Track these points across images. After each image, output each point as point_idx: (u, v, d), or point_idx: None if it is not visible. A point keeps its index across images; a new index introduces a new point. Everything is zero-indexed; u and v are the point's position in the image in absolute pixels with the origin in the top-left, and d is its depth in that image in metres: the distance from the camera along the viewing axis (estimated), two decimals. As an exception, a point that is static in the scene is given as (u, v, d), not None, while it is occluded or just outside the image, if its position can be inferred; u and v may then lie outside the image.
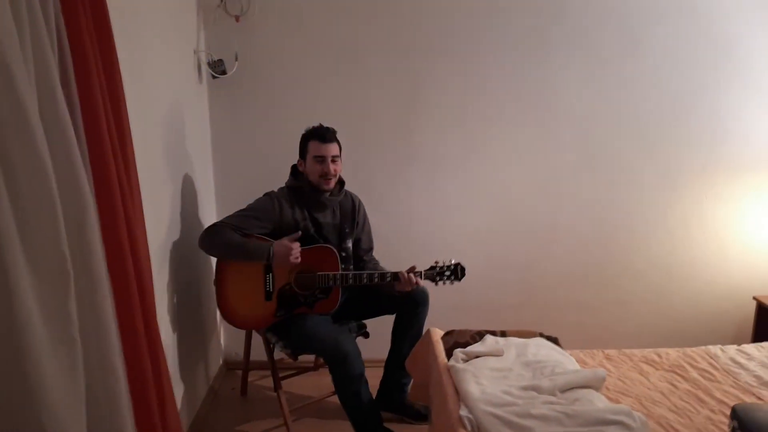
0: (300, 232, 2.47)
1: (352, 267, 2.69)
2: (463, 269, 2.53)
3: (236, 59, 2.95)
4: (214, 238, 2.42)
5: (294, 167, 2.65)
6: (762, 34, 3.08)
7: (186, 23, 2.74)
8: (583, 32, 3.08)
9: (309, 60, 3.06)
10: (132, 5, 2.00)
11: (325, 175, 2.52)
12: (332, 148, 2.53)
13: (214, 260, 3.11)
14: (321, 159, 2.50)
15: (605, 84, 3.14)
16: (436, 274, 2.52)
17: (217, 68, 2.94)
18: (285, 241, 2.42)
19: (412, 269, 2.48)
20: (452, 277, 2.52)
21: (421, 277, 2.50)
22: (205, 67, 2.95)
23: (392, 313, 2.72)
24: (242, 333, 3.00)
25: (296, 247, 2.41)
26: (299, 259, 2.41)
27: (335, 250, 2.53)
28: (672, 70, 3.13)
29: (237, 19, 2.91)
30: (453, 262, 2.54)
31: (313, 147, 2.52)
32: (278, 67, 3.06)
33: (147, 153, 2.07)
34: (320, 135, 2.52)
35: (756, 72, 3.13)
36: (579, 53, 3.10)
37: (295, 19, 3.00)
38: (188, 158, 2.71)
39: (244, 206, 2.52)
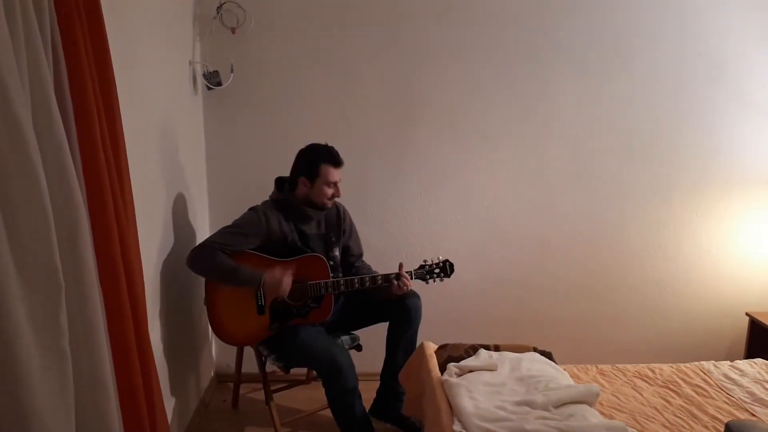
0: (293, 269, 2.45)
1: (341, 275, 2.67)
2: (451, 265, 2.56)
3: (232, 71, 2.96)
4: (204, 262, 2.41)
5: (279, 179, 2.63)
6: (754, 51, 3.11)
7: (182, 34, 2.74)
8: (577, 49, 3.10)
9: (304, 72, 3.06)
10: (127, 16, 1.99)
11: (332, 198, 2.54)
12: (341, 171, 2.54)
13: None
14: (334, 184, 2.51)
15: (599, 100, 3.16)
16: (425, 272, 2.56)
17: (213, 79, 2.94)
18: (277, 273, 2.40)
19: (400, 268, 2.51)
20: (441, 275, 2.55)
21: (411, 277, 2.52)
22: (200, 79, 2.94)
23: (385, 321, 2.71)
24: (234, 346, 2.98)
25: (287, 282, 2.40)
26: (287, 293, 2.41)
27: (324, 259, 2.52)
28: (664, 86, 3.16)
29: (233, 30, 2.92)
30: (441, 259, 2.56)
31: (329, 172, 2.48)
32: (274, 79, 3.06)
33: (141, 164, 2.06)
34: (334, 160, 2.50)
35: (748, 89, 3.15)
36: (573, 69, 3.12)
37: (290, 31, 3.01)
38: (182, 169, 2.70)
39: (231, 223, 2.49)
